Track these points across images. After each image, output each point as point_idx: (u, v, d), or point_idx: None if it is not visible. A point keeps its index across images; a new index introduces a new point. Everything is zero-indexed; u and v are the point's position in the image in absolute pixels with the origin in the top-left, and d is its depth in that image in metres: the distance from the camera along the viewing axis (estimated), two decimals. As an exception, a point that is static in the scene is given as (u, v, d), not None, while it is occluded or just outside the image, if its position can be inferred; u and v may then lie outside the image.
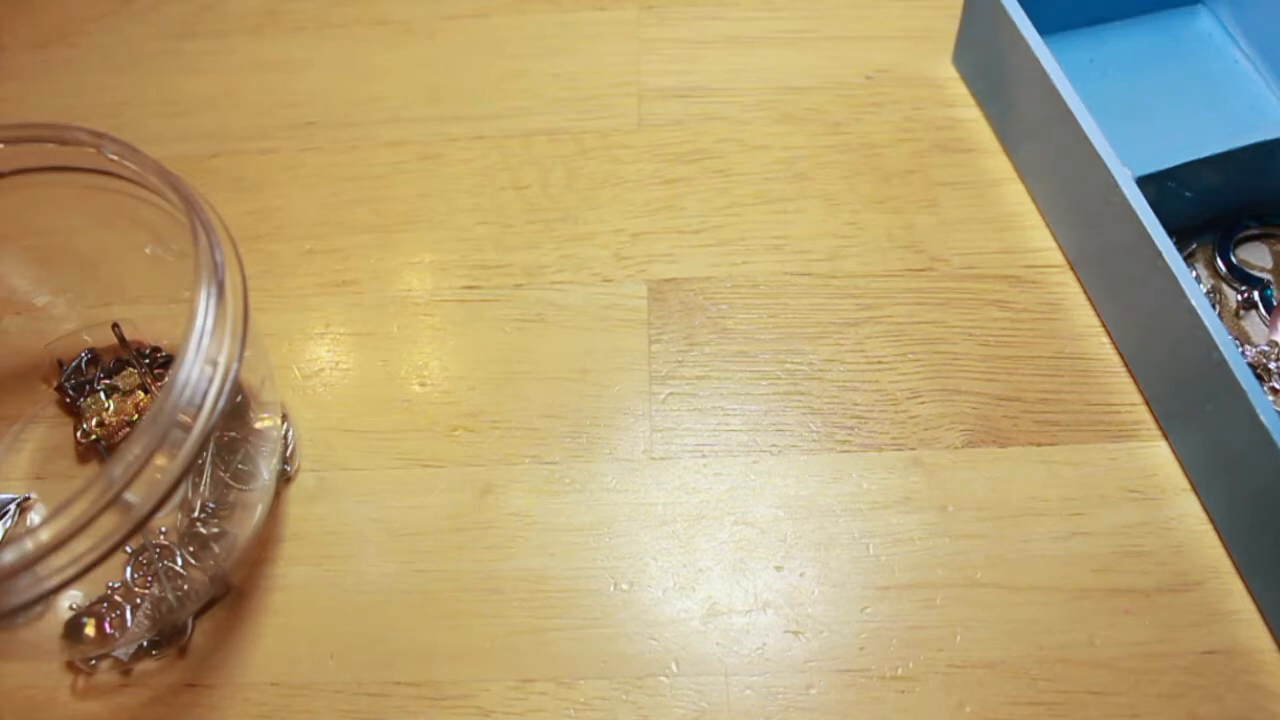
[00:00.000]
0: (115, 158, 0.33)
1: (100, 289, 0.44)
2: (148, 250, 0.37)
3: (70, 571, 0.27)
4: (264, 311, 0.48)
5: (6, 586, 0.26)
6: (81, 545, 0.27)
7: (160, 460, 0.28)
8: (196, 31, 0.59)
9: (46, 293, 0.43)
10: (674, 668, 0.39)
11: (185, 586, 0.39)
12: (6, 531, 0.41)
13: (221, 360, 0.30)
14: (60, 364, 0.44)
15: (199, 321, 0.29)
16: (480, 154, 0.52)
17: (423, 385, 0.46)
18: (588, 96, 0.54)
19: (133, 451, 0.27)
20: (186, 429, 0.29)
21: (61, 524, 0.26)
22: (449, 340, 0.47)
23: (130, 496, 0.27)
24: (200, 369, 0.29)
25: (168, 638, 0.39)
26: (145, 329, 0.45)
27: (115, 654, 0.39)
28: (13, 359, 0.44)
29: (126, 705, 0.39)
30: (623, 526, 0.42)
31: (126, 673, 0.39)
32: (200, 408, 0.29)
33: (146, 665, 0.39)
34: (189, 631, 0.40)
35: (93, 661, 0.39)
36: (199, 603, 0.40)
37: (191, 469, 0.29)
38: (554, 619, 0.40)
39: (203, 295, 0.29)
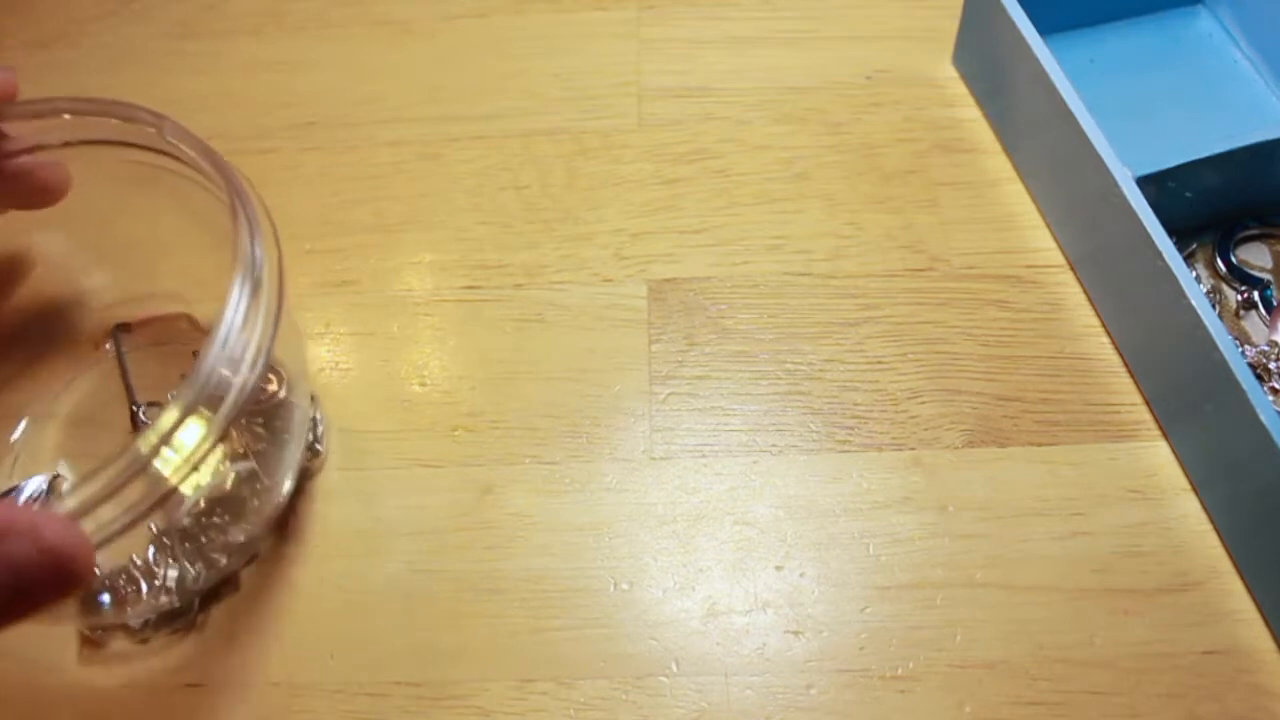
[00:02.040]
0: (173, 140, 0.33)
1: (157, 270, 0.44)
2: (198, 235, 0.37)
3: (96, 538, 0.27)
4: (264, 311, 0.48)
5: None
6: (108, 513, 0.27)
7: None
8: (196, 31, 0.59)
9: (97, 269, 0.43)
10: (674, 668, 0.39)
11: (202, 567, 0.39)
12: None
13: (250, 350, 0.30)
14: (115, 336, 0.44)
15: (229, 315, 0.29)
16: (480, 154, 0.52)
17: (423, 385, 0.46)
18: (588, 96, 0.54)
19: (163, 427, 0.28)
20: (217, 403, 0.29)
21: (89, 490, 0.27)
22: (449, 340, 0.47)
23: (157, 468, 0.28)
24: (229, 358, 0.29)
25: (178, 614, 0.40)
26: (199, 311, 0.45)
27: (128, 622, 0.39)
28: (61, 325, 0.44)
29: (127, 705, 0.39)
30: (623, 526, 0.42)
31: (144, 642, 0.40)
32: (227, 392, 0.29)
33: (150, 663, 0.40)
34: (195, 609, 0.40)
35: (100, 632, 0.39)
36: (212, 583, 0.40)
37: (216, 444, 0.29)
38: (554, 619, 0.40)
39: (235, 290, 0.30)
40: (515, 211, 0.50)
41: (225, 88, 0.56)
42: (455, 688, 0.39)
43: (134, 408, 0.43)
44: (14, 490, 0.41)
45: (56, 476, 0.42)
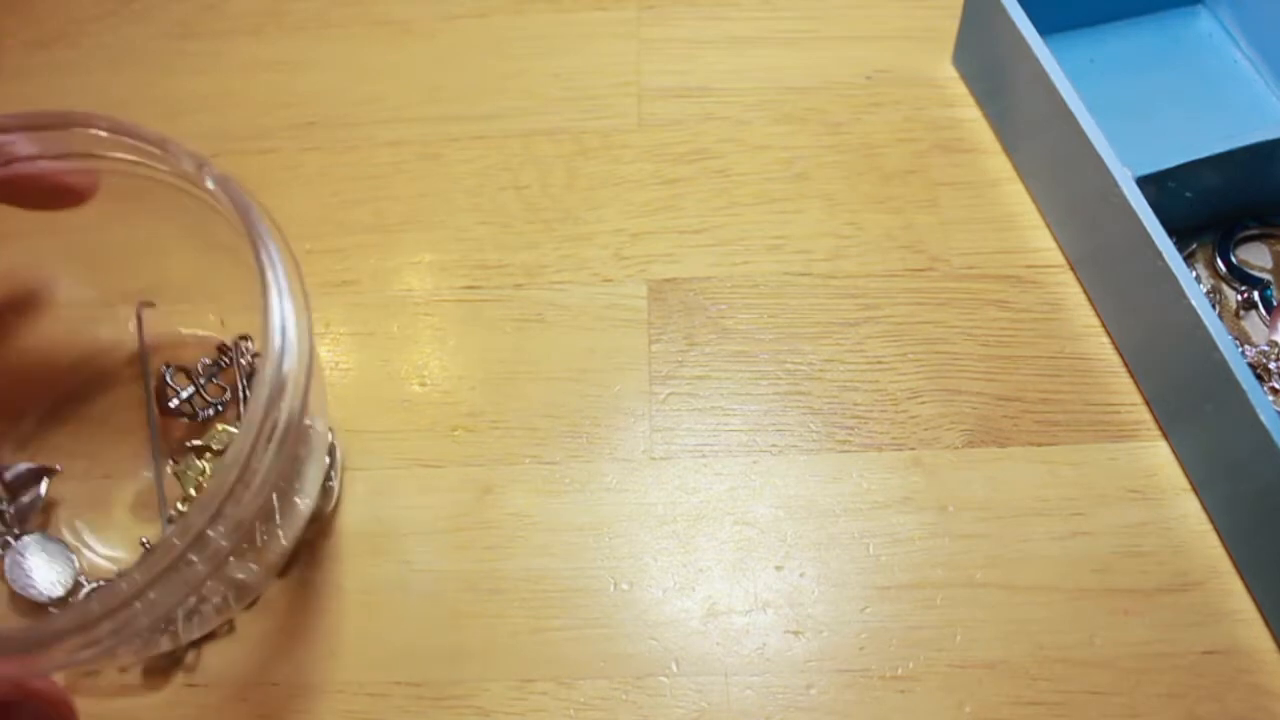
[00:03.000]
0: (212, 186, 0.33)
1: (191, 292, 0.44)
2: (217, 257, 0.37)
3: (146, 619, 0.27)
4: (264, 311, 0.48)
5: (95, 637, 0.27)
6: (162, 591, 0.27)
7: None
8: (196, 31, 0.59)
9: (113, 286, 0.43)
10: (674, 668, 0.39)
11: (195, 604, 0.39)
12: (31, 503, 0.41)
13: (283, 417, 0.30)
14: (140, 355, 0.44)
15: (259, 406, 0.29)
16: (480, 154, 0.52)
17: (423, 385, 0.46)
18: (588, 96, 0.54)
19: (219, 497, 0.28)
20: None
21: (143, 576, 0.27)
22: (449, 340, 0.47)
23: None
24: (257, 441, 0.29)
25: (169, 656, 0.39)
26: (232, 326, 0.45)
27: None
28: (90, 346, 0.45)
29: (126, 705, 0.39)
30: (623, 526, 0.42)
31: (123, 671, 0.39)
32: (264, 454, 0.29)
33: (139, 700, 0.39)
34: (185, 652, 0.40)
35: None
36: (208, 628, 0.40)
37: (264, 500, 0.29)
38: (554, 619, 0.40)
39: (269, 367, 0.29)
40: (515, 211, 0.50)
41: (225, 88, 0.56)
42: (455, 688, 0.39)
43: (164, 368, 0.43)
44: (3, 468, 0.41)
45: (57, 469, 0.42)
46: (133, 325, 0.44)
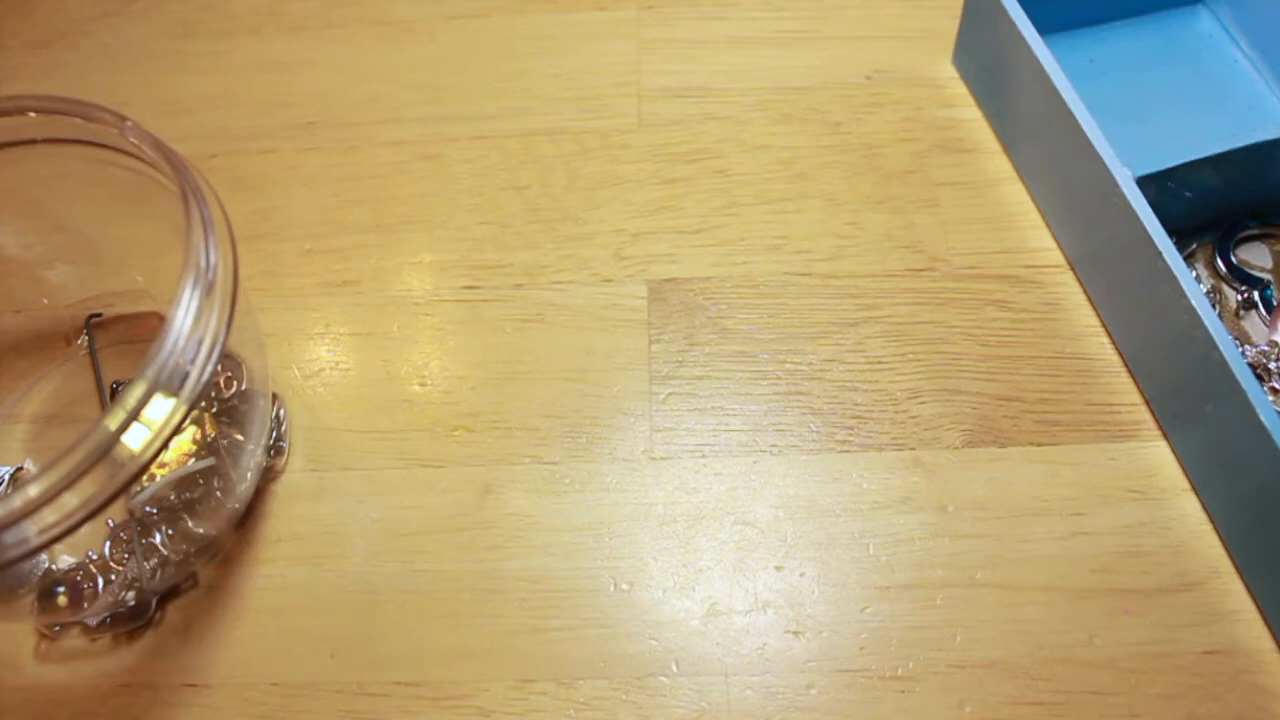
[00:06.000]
0: (135, 140, 0.33)
1: (124, 268, 0.44)
2: (165, 235, 0.38)
3: (56, 530, 0.28)
4: (264, 311, 0.48)
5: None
6: (71, 502, 0.28)
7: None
8: (196, 31, 0.59)
9: (62, 265, 0.44)
10: (674, 668, 0.39)
11: (159, 563, 0.39)
12: None
13: (206, 342, 0.31)
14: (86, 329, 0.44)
15: (179, 319, 0.30)
16: (480, 154, 0.52)
17: (423, 385, 0.46)
18: (588, 96, 0.54)
19: (129, 403, 0.29)
20: (177, 387, 0.30)
21: (51, 480, 0.27)
22: (449, 340, 0.47)
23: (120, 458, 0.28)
24: (181, 354, 0.30)
25: (133, 614, 0.40)
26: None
27: (84, 620, 0.39)
28: (32, 323, 0.45)
29: (125, 706, 0.39)
30: (623, 526, 0.42)
31: (94, 640, 0.40)
32: (186, 376, 0.30)
33: (127, 657, 0.40)
34: (152, 610, 0.40)
35: (57, 629, 0.40)
36: (171, 582, 0.40)
37: (184, 421, 0.30)
38: (554, 619, 0.40)
39: (187, 290, 0.30)
40: (515, 211, 0.50)
41: (225, 88, 0.56)
42: (455, 688, 0.39)
43: (113, 385, 0.43)
44: None
45: (20, 468, 0.42)
46: (83, 339, 0.45)
